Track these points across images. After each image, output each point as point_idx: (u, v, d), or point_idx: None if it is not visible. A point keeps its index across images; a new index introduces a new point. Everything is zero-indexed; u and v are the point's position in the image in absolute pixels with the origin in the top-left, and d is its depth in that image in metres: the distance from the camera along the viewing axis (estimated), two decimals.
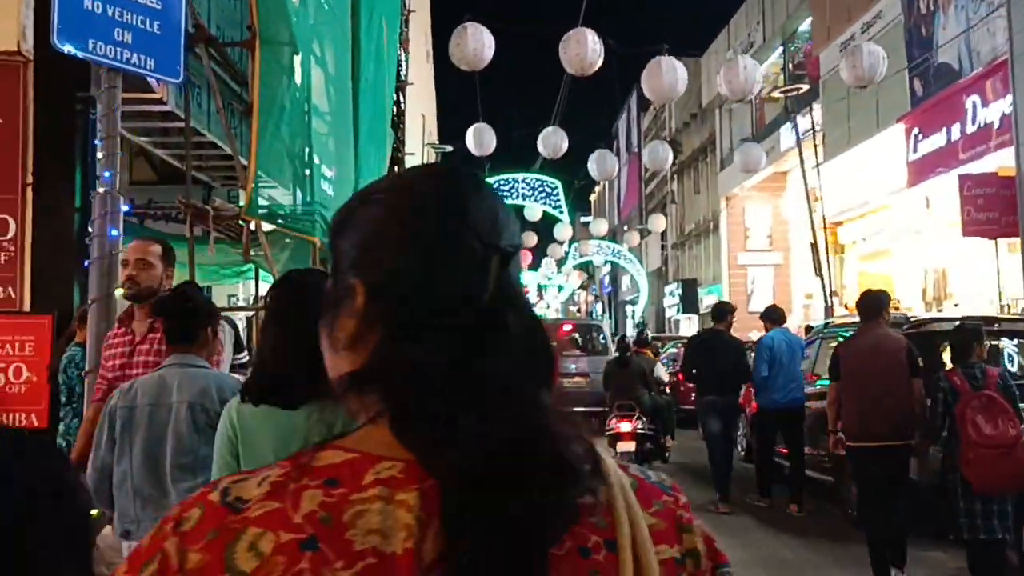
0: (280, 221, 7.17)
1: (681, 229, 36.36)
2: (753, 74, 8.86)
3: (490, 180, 16.26)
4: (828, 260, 15.19)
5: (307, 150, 7.79)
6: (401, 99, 15.39)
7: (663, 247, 39.71)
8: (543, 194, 23.12)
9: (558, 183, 23.68)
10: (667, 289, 37.93)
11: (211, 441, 2.37)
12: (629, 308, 50.97)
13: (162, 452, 2.88)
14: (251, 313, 9.81)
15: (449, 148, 20.44)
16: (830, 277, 14.53)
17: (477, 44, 8.79)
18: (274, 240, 7.77)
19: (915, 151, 14.45)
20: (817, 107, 19.85)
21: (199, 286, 7.07)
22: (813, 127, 16.66)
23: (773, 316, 8.76)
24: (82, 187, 6.85)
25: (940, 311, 17.84)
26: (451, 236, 0.77)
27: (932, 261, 17.62)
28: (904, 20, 14.86)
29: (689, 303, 34.01)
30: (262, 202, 7.10)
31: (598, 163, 15.68)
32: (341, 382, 0.78)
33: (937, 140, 13.56)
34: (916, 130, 14.36)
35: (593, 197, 69.83)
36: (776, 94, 13.97)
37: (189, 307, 3.06)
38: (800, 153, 15.06)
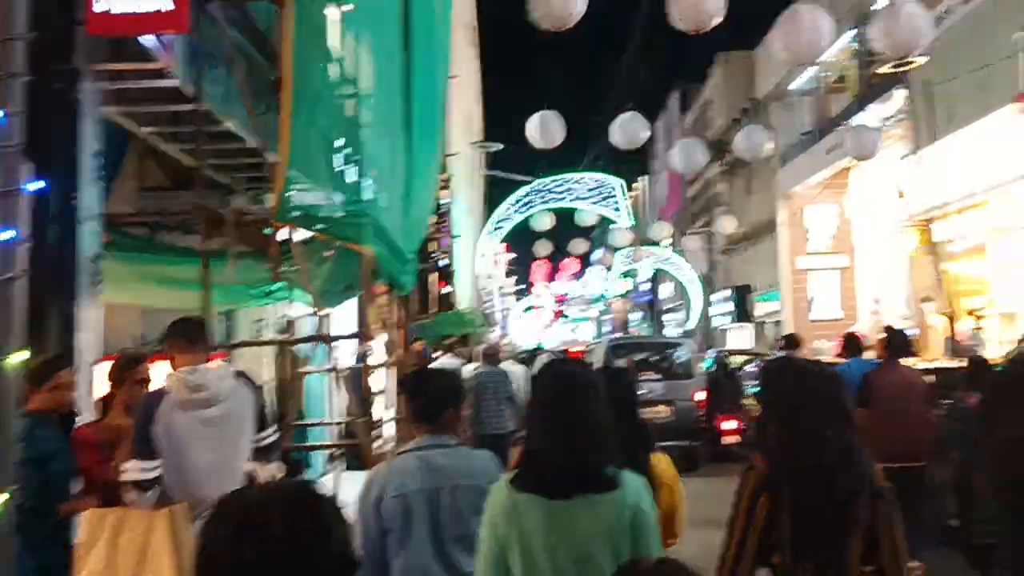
0: (320, 226, 5.55)
1: (728, 236, 34.45)
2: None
3: (542, 182, 14.39)
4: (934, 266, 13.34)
5: (349, 143, 6.16)
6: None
7: (710, 252, 37.81)
8: (601, 196, 21.20)
9: (618, 183, 21.71)
10: (715, 297, 36.03)
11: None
12: (669, 317, 49.02)
13: (449, 536, 2.89)
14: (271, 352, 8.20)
15: (499, 145, 18.75)
16: (942, 286, 12.64)
17: None
18: (310, 252, 6.16)
19: None
20: (900, 93, 18.04)
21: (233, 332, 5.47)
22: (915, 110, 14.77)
23: (850, 345, 8.04)
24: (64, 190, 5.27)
25: None
26: None
27: None
28: None
29: (743, 311, 32.10)
30: (295, 204, 5.49)
31: (684, 153, 13.74)
32: None
33: None
34: None
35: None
36: (883, 69, 12.16)
37: (434, 388, 3.10)
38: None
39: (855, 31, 21.21)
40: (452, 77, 16.43)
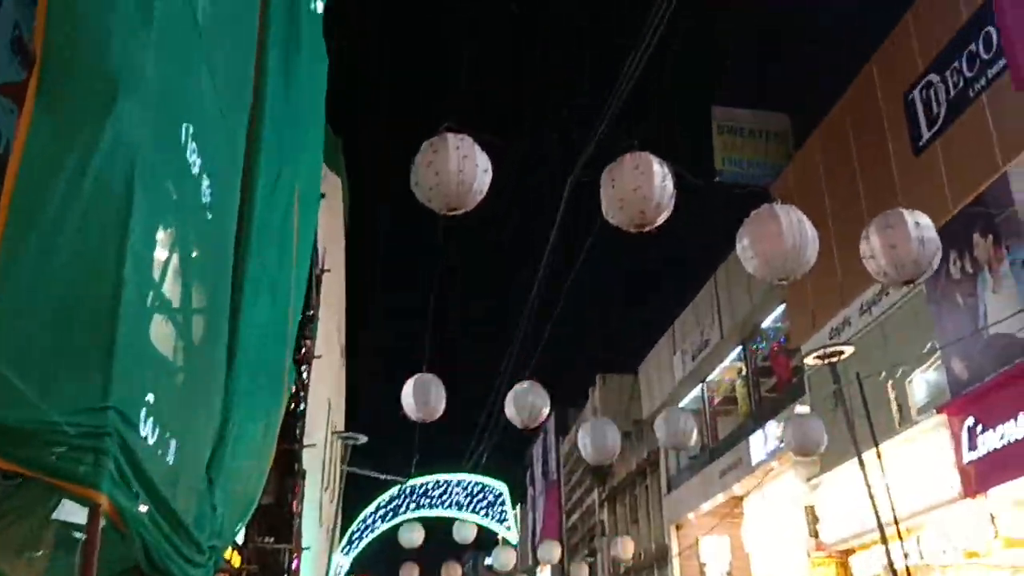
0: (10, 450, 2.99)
1: (613, 567, 31.53)
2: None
3: (414, 482, 11.66)
4: None
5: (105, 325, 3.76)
6: (304, 375, 11.64)
7: None
8: (484, 503, 18.34)
9: (504, 488, 18.92)
10: None
11: None
12: None
13: None
14: None
15: (363, 438, 16.08)
16: None
17: None
18: None
19: (973, 448, 11.25)
20: (803, 409, 16.94)
21: None
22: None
23: None
24: None
25: None
26: None
27: None
28: (928, 292, 12.40)
29: None
30: None
31: (596, 433, 11.14)
32: None
33: (1013, 430, 10.44)
34: (971, 420, 11.27)
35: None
36: (810, 360, 10.84)
37: None
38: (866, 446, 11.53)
39: (740, 348, 20.75)
40: (316, 357, 14.33)
